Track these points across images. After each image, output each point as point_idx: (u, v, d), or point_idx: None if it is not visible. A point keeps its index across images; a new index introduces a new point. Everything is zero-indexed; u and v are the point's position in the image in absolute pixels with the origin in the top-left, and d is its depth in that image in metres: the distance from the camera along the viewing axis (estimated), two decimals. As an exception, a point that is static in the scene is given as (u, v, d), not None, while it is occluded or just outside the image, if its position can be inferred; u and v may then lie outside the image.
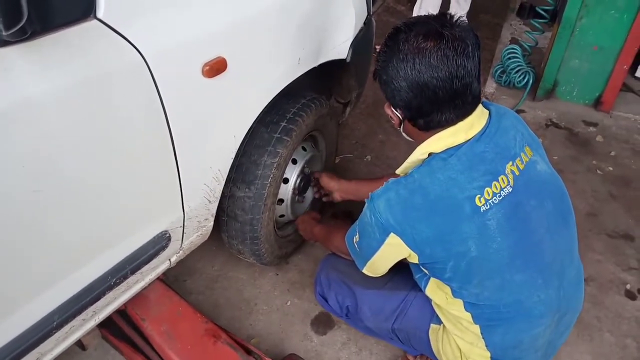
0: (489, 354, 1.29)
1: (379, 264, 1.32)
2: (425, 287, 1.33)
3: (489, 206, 1.14)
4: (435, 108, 1.15)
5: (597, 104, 3.04)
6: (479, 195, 1.14)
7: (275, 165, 1.58)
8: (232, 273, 2.00)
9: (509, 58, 3.17)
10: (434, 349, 1.42)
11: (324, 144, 2.03)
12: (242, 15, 1.28)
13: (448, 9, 3.71)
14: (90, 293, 1.17)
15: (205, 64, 1.18)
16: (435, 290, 1.30)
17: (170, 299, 1.66)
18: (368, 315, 1.51)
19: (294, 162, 1.81)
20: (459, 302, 1.25)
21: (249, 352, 1.59)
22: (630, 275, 2.06)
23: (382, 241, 1.22)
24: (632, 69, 3.11)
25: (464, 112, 1.17)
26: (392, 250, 1.23)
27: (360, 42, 1.81)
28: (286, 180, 1.80)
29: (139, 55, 1.03)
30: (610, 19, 2.73)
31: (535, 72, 3.14)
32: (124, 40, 1.01)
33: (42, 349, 1.12)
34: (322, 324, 1.84)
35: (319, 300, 1.66)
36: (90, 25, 0.96)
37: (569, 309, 1.34)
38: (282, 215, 1.88)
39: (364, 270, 1.38)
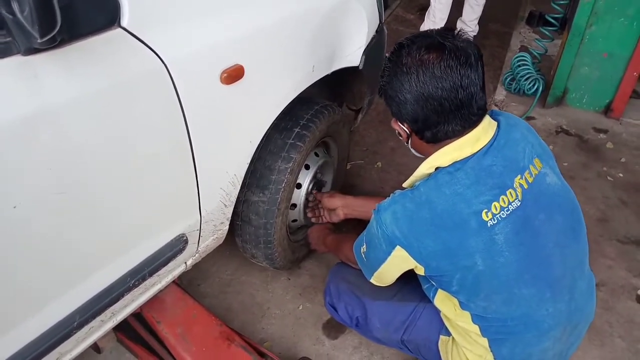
0: None
1: (386, 274, 1.32)
2: (433, 297, 1.33)
3: (496, 221, 1.13)
4: (442, 119, 1.15)
5: (607, 110, 3.05)
6: (486, 210, 1.13)
7: (288, 171, 1.61)
8: (245, 277, 2.02)
9: (519, 66, 3.19)
10: None
11: (336, 150, 2.05)
12: (260, 24, 1.31)
13: (457, 16, 3.75)
14: (110, 294, 1.19)
15: (224, 71, 1.21)
16: (444, 301, 1.30)
17: (185, 302, 1.68)
18: (377, 326, 1.51)
19: (307, 167, 1.84)
20: (467, 315, 1.25)
21: (262, 355, 1.61)
22: (642, 281, 2.06)
23: (389, 253, 1.22)
24: (642, 76, 3.12)
25: (471, 122, 1.17)
26: (399, 262, 1.23)
27: (372, 50, 1.84)
28: (299, 186, 1.82)
29: (160, 62, 1.06)
30: (620, 27, 2.75)
31: (545, 79, 3.16)
32: (147, 48, 1.04)
33: (62, 349, 1.14)
34: (333, 328, 1.86)
35: (329, 310, 1.67)
36: (114, 33, 0.99)
37: (580, 320, 1.32)
38: (294, 220, 1.90)
39: (372, 280, 1.38)
